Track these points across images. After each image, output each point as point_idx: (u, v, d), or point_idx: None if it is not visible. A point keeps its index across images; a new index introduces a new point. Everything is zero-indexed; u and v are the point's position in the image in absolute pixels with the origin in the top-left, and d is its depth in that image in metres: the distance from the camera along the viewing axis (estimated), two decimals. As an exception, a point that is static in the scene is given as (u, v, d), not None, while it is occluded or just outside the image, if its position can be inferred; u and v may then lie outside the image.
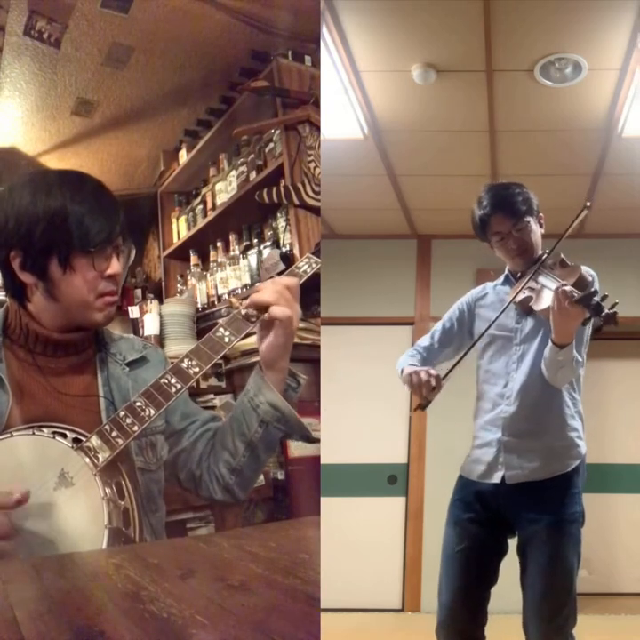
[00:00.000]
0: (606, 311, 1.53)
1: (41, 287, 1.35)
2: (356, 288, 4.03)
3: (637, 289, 3.71)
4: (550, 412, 1.78)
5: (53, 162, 3.93)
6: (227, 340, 1.39)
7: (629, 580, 4.04)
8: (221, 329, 1.40)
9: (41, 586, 0.93)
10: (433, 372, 1.76)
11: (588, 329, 1.74)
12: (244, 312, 1.41)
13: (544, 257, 1.79)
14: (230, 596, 0.82)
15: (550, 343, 1.67)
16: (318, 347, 2.82)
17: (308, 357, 2.67)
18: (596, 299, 1.54)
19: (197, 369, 1.35)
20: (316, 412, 2.67)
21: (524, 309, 1.80)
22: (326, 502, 3.45)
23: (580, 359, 1.72)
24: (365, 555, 3.87)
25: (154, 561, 1.02)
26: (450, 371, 1.77)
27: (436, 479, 3.78)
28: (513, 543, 1.82)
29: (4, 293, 1.45)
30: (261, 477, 2.75)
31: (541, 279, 1.75)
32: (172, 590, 0.84)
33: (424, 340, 1.99)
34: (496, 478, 1.78)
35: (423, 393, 1.72)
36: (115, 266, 1.36)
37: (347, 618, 3.62)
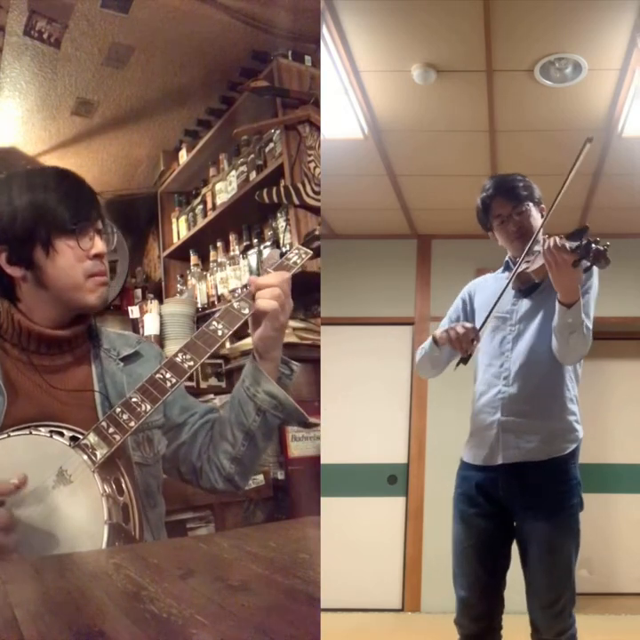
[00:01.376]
0: (595, 247, 1.53)
1: (30, 278, 1.37)
2: (355, 288, 4.03)
3: (637, 289, 3.71)
4: (552, 394, 1.79)
5: (53, 162, 3.93)
6: (220, 333, 1.39)
7: (629, 580, 4.03)
8: (214, 322, 1.40)
9: (41, 586, 0.93)
10: (468, 324, 1.78)
11: (592, 290, 1.76)
12: (236, 305, 1.42)
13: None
14: (230, 596, 0.82)
15: (558, 306, 1.67)
16: (318, 347, 2.82)
17: (308, 357, 2.67)
18: (585, 239, 1.55)
19: (192, 363, 1.35)
20: (315, 412, 2.67)
21: (523, 280, 1.81)
22: (326, 502, 3.44)
23: (588, 325, 1.71)
24: (365, 555, 3.87)
25: (154, 561, 1.02)
26: (484, 322, 1.78)
27: (436, 479, 3.78)
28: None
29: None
30: (261, 477, 2.76)
31: (537, 248, 1.78)
32: (172, 590, 0.83)
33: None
34: (499, 460, 1.78)
35: (464, 346, 1.74)
36: (99, 245, 1.39)
37: (347, 618, 3.62)
